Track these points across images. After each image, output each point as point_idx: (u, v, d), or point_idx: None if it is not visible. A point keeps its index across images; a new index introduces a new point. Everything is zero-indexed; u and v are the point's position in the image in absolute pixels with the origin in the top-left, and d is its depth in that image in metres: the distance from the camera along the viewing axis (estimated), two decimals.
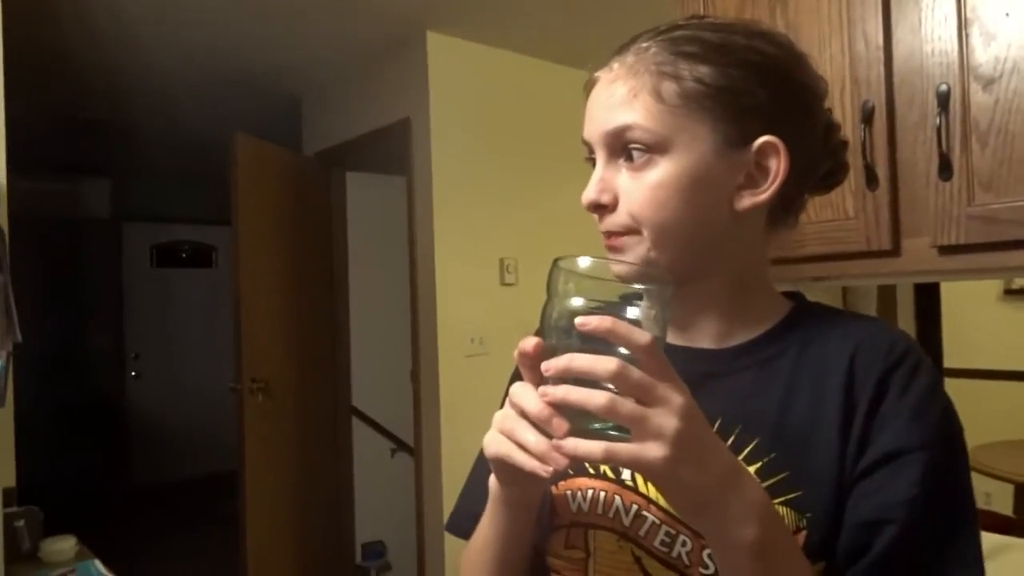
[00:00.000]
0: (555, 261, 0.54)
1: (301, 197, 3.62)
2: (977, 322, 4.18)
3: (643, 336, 0.49)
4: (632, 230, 0.63)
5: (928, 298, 5.21)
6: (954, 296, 4.28)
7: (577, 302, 0.52)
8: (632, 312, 0.52)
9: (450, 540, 3.19)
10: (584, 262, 0.54)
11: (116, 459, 5.65)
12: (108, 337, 5.79)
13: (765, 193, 0.63)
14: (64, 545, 1.90)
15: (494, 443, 0.56)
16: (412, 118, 3.18)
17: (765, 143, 0.62)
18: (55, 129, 4.33)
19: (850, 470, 0.59)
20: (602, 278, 0.54)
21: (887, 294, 6.23)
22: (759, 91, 0.62)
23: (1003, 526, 2.59)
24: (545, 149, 3.25)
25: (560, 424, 0.50)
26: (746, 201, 0.63)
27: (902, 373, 0.61)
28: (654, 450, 0.48)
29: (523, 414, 0.53)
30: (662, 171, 0.62)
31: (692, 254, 0.64)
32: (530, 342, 0.54)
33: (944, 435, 0.60)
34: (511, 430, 0.54)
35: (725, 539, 0.53)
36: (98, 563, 1.63)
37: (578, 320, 0.49)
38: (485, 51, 3.24)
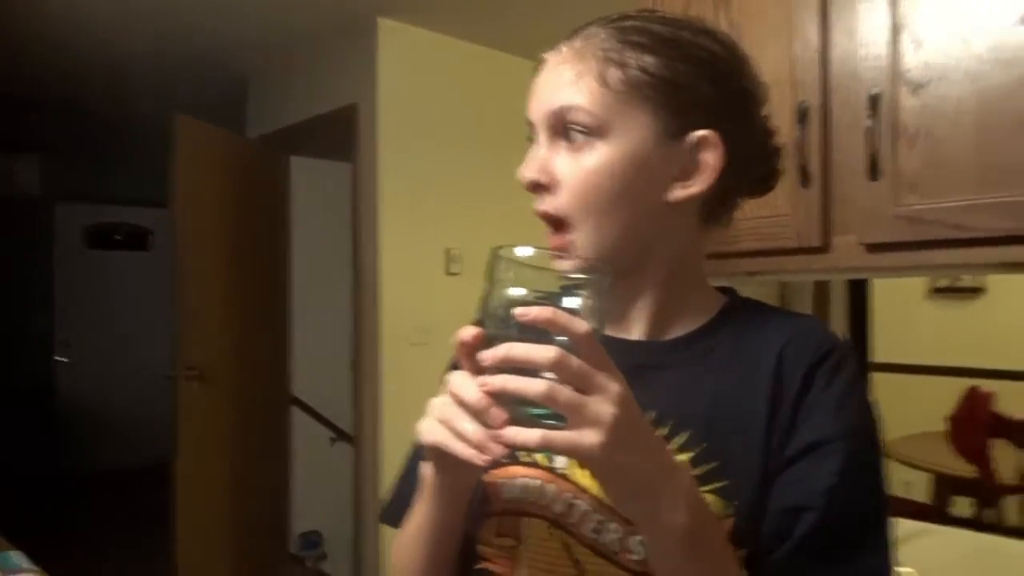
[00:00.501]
0: (494, 250, 0.54)
1: (244, 181, 3.53)
2: (905, 319, 4.34)
3: (581, 325, 0.49)
4: (566, 215, 0.64)
5: (859, 295, 5.42)
6: (884, 293, 4.44)
7: (516, 291, 0.53)
8: (570, 302, 0.52)
9: (386, 531, 3.15)
10: (524, 251, 0.54)
11: (44, 447, 5.44)
12: (37, 321, 5.56)
13: (698, 186, 0.64)
14: None
15: (431, 431, 0.55)
16: (360, 104, 3.13)
17: (702, 137, 0.63)
18: None
19: (776, 459, 0.61)
20: (541, 267, 0.54)
21: (822, 290, 6.44)
22: (702, 86, 0.63)
23: (920, 513, 2.72)
24: (494, 140, 3.23)
25: (498, 414, 0.50)
26: (679, 192, 0.64)
27: (827, 368, 0.63)
28: (591, 436, 0.48)
29: (461, 403, 0.53)
30: (600, 154, 0.62)
31: (625, 241, 0.65)
32: (469, 331, 0.54)
33: (863, 427, 0.63)
34: (448, 418, 0.54)
35: (656, 525, 0.54)
36: (17, 554, 1.57)
37: (517, 311, 0.49)
38: (436, 39, 3.22)
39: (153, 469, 4.35)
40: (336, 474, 3.68)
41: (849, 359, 0.65)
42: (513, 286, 0.53)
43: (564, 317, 0.49)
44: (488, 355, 0.50)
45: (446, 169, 3.21)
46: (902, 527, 1.53)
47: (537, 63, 0.69)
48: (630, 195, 0.63)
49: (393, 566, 0.74)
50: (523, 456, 0.68)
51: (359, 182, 3.17)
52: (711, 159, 0.63)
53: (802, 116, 1.07)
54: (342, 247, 3.44)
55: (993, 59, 0.92)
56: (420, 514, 0.68)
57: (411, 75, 3.14)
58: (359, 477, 3.16)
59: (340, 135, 3.27)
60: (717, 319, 0.70)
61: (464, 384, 0.53)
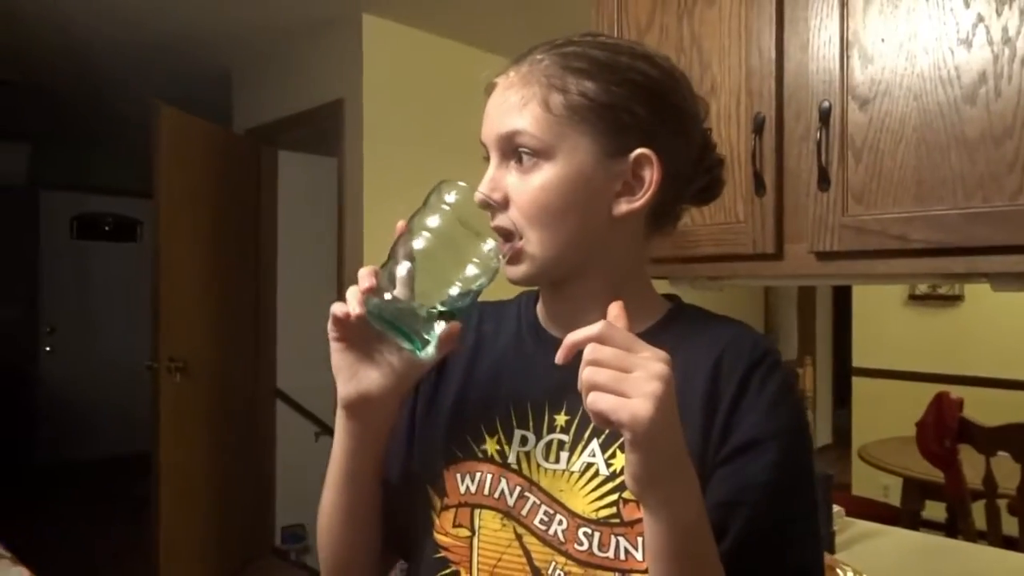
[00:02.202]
0: (440, 182, 0.65)
1: (229, 174, 3.54)
2: (884, 325, 4.41)
3: (598, 323, 0.56)
4: (517, 229, 0.68)
5: (843, 301, 5.47)
6: (864, 300, 4.50)
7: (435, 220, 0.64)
8: (488, 244, 0.64)
9: None
10: (462, 186, 0.65)
11: (26, 435, 5.44)
12: (22, 309, 5.56)
13: (640, 200, 0.68)
14: None
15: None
16: (346, 99, 3.15)
17: (640, 155, 0.67)
18: None
19: (711, 460, 0.65)
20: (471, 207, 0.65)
21: (807, 296, 6.50)
22: (637, 108, 0.67)
23: (889, 516, 2.77)
24: (478, 135, 3.26)
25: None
26: (623, 207, 0.68)
27: (761, 372, 0.67)
28: (644, 407, 0.52)
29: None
30: (546, 174, 0.67)
31: (572, 252, 0.69)
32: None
33: (794, 427, 0.67)
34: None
35: (667, 511, 0.57)
36: None
37: (560, 352, 0.56)
38: (420, 36, 3.24)
39: (136, 459, 4.36)
40: (320, 468, 3.65)
41: (781, 363, 0.69)
42: (453, 209, 0.64)
43: (577, 335, 0.56)
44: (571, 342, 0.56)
45: (430, 164, 3.22)
46: (858, 527, 1.57)
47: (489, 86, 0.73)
48: (576, 210, 0.67)
49: (318, 529, 0.78)
50: (478, 451, 0.72)
51: (345, 176, 3.19)
52: (649, 175, 0.68)
53: (758, 126, 1.10)
54: (328, 241, 3.46)
55: (935, 77, 0.95)
56: (335, 442, 0.72)
57: (396, 71, 3.17)
58: None
59: (326, 129, 3.29)
60: (659, 325, 0.74)
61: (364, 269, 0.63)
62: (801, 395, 2.85)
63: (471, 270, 0.63)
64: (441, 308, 0.63)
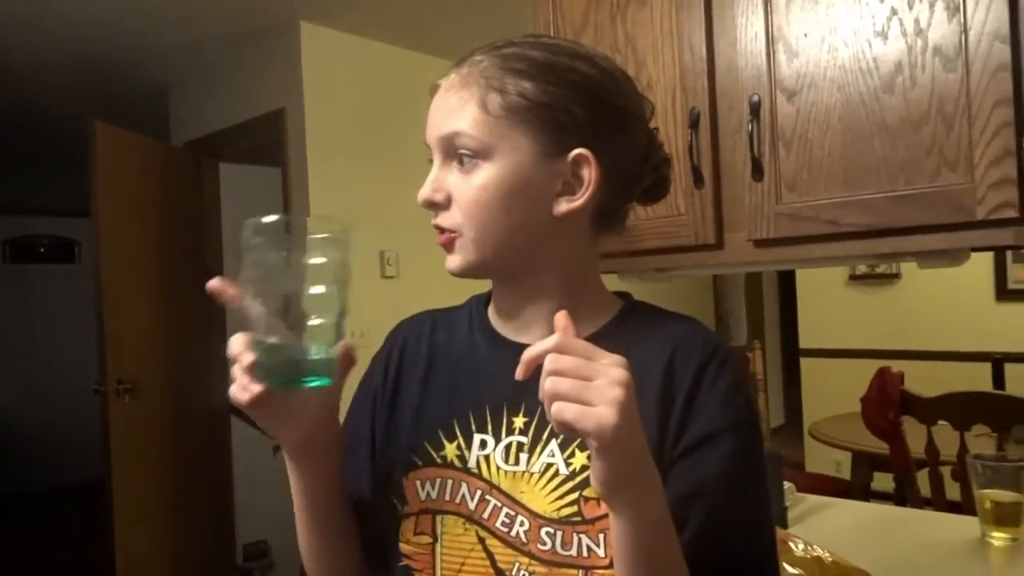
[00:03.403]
0: (245, 221, 0.61)
1: (170, 188, 3.47)
2: (827, 306, 4.55)
3: (552, 336, 0.56)
4: (459, 227, 0.69)
5: (789, 284, 5.62)
6: (807, 282, 4.64)
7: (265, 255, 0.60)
8: (316, 259, 0.60)
9: None
10: (270, 219, 0.60)
11: None
12: None
13: (580, 200, 0.69)
14: None
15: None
16: (287, 108, 3.12)
17: (578, 155, 0.68)
18: None
19: (668, 455, 0.66)
20: (282, 232, 0.61)
21: (753, 281, 6.67)
22: (576, 108, 0.68)
23: (841, 490, 2.87)
24: (422, 139, 3.26)
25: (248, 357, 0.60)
26: (563, 207, 0.69)
27: (713, 368, 0.69)
28: (609, 415, 0.52)
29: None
30: (486, 175, 0.67)
31: (513, 251, 0.70)
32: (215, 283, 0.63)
33: (746, 420, 0.69)
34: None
35: (636, 511, 0.57)
36: None
37: (520, 368, 0.56)
38: (360, 42, 3.23)
39: (89, 485, 4.24)
40: (279, 482, 3.62)
41: (732, 359, 0.71)
42: (264, 250, 0.60)
43: (534, 349, 0.55)
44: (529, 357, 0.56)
45: (376, 171, 3.22)
46: (809, 502, 1.63)
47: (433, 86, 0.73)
48: (516, 210, 0.68)
49: (302, 558, 0.79)
50: (437, 457, 0.73)
51: (289, 186, 3.16)
52: (588, 174, 0.68)
53: (693, 121, 1.14)
54: None
55: (855, 68, 1.00)
56: (295, 502, 0.74)
57: (336, 78, 3.15)
58: None
59: (268, 140, 3.25)
60: (612, 323, 0.74)
61: (232, 340, 0.62)
62: (752, 383, 2.93)
63: (324, 288, 0.61)
64: (321, 342, 0.61)
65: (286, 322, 0.60)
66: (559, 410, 0.53)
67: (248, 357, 0.61)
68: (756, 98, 1.07)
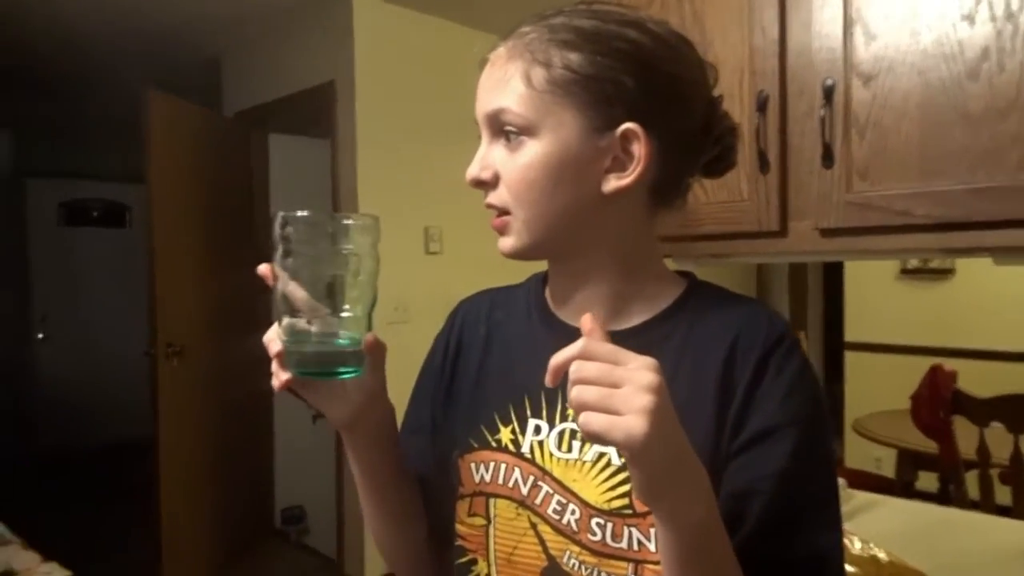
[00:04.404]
0: (276, 214, 0.61)
1: (221, 158, 3.52)
2: (876, 300, 4.44)
3: (580, 340, 0.53)
4: (506, 206, 0.67)
5: (834, 277, 5.50)
6: (856, 275, 4.53)
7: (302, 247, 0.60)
8: (348, 245, 0.60)
9: None
10: (302, 213, 0.61)
11: (22, 424, 5.43)
12: (12, 298, 5.52)
13: (629, 177, 0.65)
14: None
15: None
16: (336, 80, 3.13)
17: (627, 130, 0.64)
18: None
19: (726, 447, 0.63)
20: (315, 222, 0.61)
21: (797, 272, 6.54)
22: (624, 79, 0.64)
23: (885, 487, 2.81)
24: (471, 117, 3.24)
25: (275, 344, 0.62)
26: (612, 184, 0.65)
27: (778, 356, 0.65)
28: (638, 424, 0.49)
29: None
30: (532, 152, 0.65)
31: (563, 231, 0.67)
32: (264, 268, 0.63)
33: (812, 413, 0.65)
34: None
35: (677, 516, 0.55)
36: (1, 526, 1.60)
37: (548, 375, 0.54)
38: (411, 15, 3.21)
39: (132, 445, 4.36)
40: (317, 450, 3.72)
41: (798, 346, 0.66)
42: (294, 240, 0.60)
43: (560, 356, 0.53)
44: (557, 363, 0.54)
45: (424, 147, 3.22)
46: (859, 499, 1.60)
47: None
48: (563, 189, 0.65)
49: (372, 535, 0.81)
50: (492, 440, 0.72)
51: (337, 159, 3.18)
52: (638, 150, 0.64)
53: (761, 104, 1.11)
54: None
55: (938, 53, 0.95)
56: (356, 480, 0.75)
57: (387, 52, 3.14)
58: (341, 453, 3.19)
59: (318, 112, 3.27)
60: (674, 306, 0.71)
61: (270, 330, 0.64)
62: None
63: (351, 278, 0.61)
64: (350, 334, 0.61)
65: (317, 312, 0.60)
66: (586, 421, 0.50)
67: (276, 346, 0.62)
68: (830, 82, 1.03)
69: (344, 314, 0.61)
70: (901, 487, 2.82)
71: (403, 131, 3.18)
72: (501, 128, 0.67)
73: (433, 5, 3.17)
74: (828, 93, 1.03)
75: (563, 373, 0.53)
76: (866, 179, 1.02)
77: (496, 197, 0.68)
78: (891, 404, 3.34)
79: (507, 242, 0.68)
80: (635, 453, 0.50)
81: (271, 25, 3.36)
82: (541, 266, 0.78)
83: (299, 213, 0.60)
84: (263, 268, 0.63)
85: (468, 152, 0.70)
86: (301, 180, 3.89)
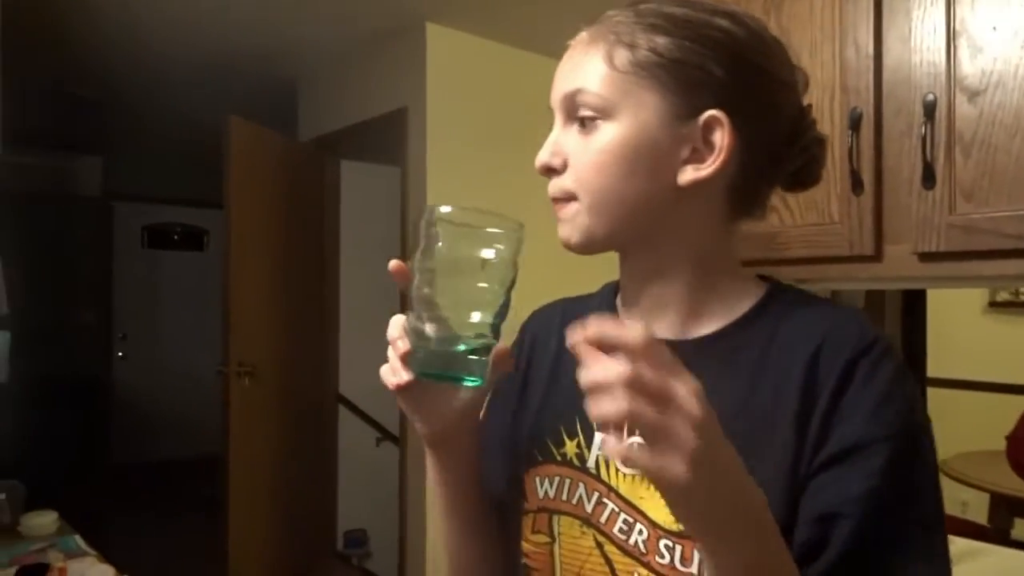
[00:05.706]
0: (426, 208, 0.59)
1: (295, 183, 3.61)
2: (961, 333, 4.21)
3: (635, 334, 0.43)
4: (572, 195, 0.64)
5: (915, 307, 5.26)
6: (940, 306, 4.31)
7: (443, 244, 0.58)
8: (487, 253, 0.57)
9: (431, 529, 3.20)
10: (446, 209, 0.58)
11: (99, 437, 5.64)
12: (95, 316, 5.77)
13: (708, 168, 0.61)
14: (45, 520, 1.90)
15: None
16: (409, 108, 3.18)
17: (711, 117, 0.60)
18: (48, 104, 4.30)
19: (807, 462, 0.58)
20: (462, 223, 0.58)
21: (875, 301, 6.29)
22: (713, 67, 0.60)
23: (976, 534, 2.63)
24: (540, 144, 3.25)
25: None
26: (689, 175, 0.61)
27: (868, 361, 0.58)
28: (677, 466, 0.43)
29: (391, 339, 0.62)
30: (607, 135, 0.61)
31: (630, 222, 0.63)
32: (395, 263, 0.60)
33: (908, 429, 0.58)
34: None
35: (721, 555, 0.50)
36: (79, 538, 1.64)
37: (569, 341, 0.46)
38: (483, 44, 3.25)
39: (201, 462, 4.47)
40: (382, 474, 3.73)
41: (892, 351, 0.60)
42: (439, 240, 0.57)
43: (613, 332, 0.44)
44: (582, 344, 0.45)
45: (493, 173, 3.23)
46: (958, 545, 1.49)
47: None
48: (637, 175, 0.61)
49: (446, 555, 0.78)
50: (556, 454, 0.69)
51: (408, 185, 3.22)
52: (720, 139, 0.60)
53: (854, 123, 1.06)
54: (391, 250, 3.49)
55: None
56: (435, 498, 0.73)
57: (459, 80, 3.18)
58: (404, 477, 3.19)
59: (390, 138, 3.32)
60: (752, 313, 0.66)
61: (392, 323, 0.62)
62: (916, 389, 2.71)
63: (489, 285, 0.58)
64: (479, 342, 0.59)
65: (449, 316, 0.58)
66: (625, 451, 0.43)
67: (404, 345, 0.59)
68: (931, 98, 0.98)
69: (475, 320, 0.58)
70: (996, 534, 2.64)
71: (474, 159, 3.20)
72: (576, 111, 0.63)
73: (506, 34, 3.20)
74: (929, 110, 0.98)
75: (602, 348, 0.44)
76: (971, 200, 0.96)
77: (557, 184, 0.65)
78: (978, 444, 3.15)
79: (566, 229, 0.64)
80: (672, 499, 0.46)
81: (346, 52, 3.45)
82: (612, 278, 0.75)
83: (446, 209, 0.58)
84: (395, 264, 0.60)
85: (539, 181, 0.67)
86: (371, 206, 3.96)
